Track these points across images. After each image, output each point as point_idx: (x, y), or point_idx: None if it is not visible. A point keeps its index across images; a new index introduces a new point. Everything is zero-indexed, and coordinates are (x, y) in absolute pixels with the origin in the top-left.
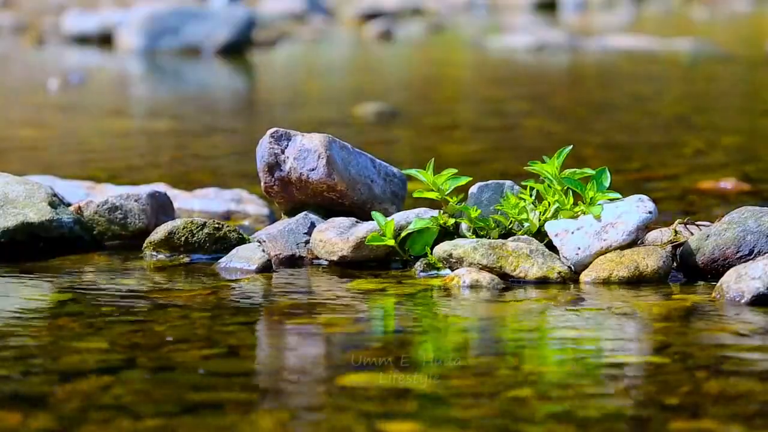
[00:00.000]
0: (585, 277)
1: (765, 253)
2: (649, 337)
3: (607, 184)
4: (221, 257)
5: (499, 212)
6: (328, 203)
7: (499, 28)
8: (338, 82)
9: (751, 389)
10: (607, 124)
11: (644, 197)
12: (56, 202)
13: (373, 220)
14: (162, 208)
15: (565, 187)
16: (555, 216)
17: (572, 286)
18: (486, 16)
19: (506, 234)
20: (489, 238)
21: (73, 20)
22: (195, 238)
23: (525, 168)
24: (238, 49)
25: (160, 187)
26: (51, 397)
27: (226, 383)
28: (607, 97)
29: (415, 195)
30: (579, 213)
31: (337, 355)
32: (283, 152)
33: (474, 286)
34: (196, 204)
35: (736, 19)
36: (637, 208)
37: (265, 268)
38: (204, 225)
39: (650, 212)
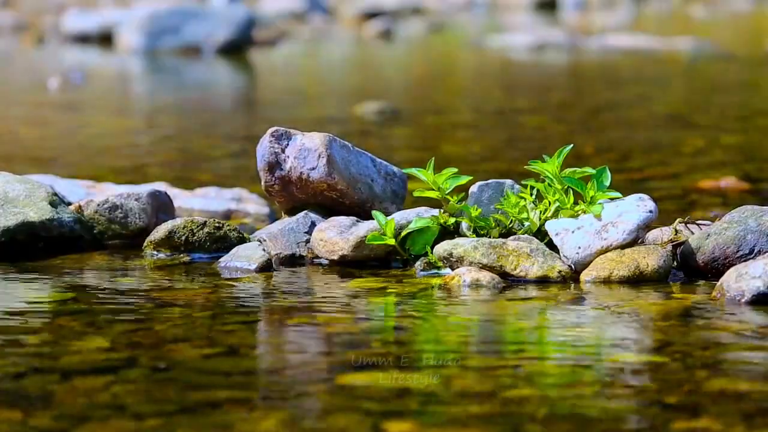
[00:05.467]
0: (585, 276)
1: (765, 252)
2: (650, 336)
3: (607, 183)
4: (222, 256)
5: (499, 211)
6: (329, 202)
7: (499, 27)
8: (338, 81)
9: (752, 388)
10: (608, 123)
11: (644, 196)
12: (56, 201)
13: (373, 219)
14: (162, 208)
15: (566, 186)
16: (555, 215)
17: (573, 285)
18: (486, 15)
19: (507, 233)
20: (489, 237)
21: (73, 19)
22: (195, 237)
23: (525, 167)
24: (238, 48)
25: (161, 186)
26: (52, 395)
27: (226, 382)
28: (608, 96)
29: (416, 194)
30: (579, 212)
31: (337, 355)
32: (283, 151)
33: (474, 286)
34: (196, 203)
35: (736, 18)
36: (637, 207)
37: (266, 268)
38: (204, 224)
39: (650, 211)
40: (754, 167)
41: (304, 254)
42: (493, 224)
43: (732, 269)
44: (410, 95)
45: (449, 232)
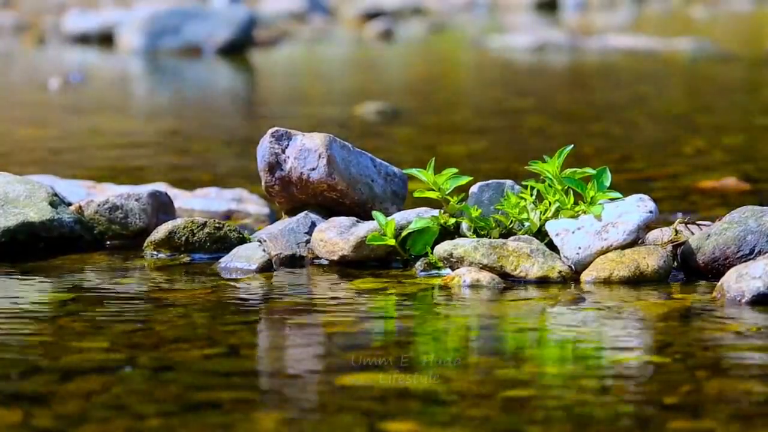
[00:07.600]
0: (586, 276)
1: (765, 252)
2: (650, 336)
3: (607, 183)
4: (222, 257)
5: (499, 212)
6: (329, 203)
7: (500, 27)
8: (339, 81)
9: (752, 389)
10: (608, 123)
11: (645, 197)
12: (57, 201)
13: (373, 219)
14: (162, 208)
15: (566, 187)
16: (556, 215)
17: (573, 285)
18: (486, 15)
19: (507, 233)
20: (489, 237)
21: (74, 20)
22: (195, 238)
23: (526, 167)
24: (238, 48)
25: (161, 186)
26: (52, 396)
27: (227, 383)
28: (608, 97)
29: (416, 194)
30: (580, 212)
31: (337, 355)
32: (283, 152)
33: (474, 286)
34: (196, 203)
35: (736, 18)
36: (637, 207)
37: (266, 268)
38: (204, 224)
39: (651, 212)
40: (755, 167)
41: (304, 255)
42: (494, 225)
43: (732, 270)
44: (410, 95)
45: (449, 233)
